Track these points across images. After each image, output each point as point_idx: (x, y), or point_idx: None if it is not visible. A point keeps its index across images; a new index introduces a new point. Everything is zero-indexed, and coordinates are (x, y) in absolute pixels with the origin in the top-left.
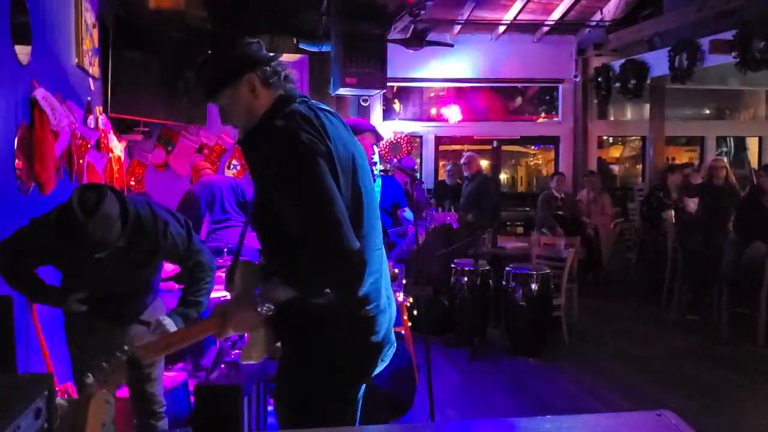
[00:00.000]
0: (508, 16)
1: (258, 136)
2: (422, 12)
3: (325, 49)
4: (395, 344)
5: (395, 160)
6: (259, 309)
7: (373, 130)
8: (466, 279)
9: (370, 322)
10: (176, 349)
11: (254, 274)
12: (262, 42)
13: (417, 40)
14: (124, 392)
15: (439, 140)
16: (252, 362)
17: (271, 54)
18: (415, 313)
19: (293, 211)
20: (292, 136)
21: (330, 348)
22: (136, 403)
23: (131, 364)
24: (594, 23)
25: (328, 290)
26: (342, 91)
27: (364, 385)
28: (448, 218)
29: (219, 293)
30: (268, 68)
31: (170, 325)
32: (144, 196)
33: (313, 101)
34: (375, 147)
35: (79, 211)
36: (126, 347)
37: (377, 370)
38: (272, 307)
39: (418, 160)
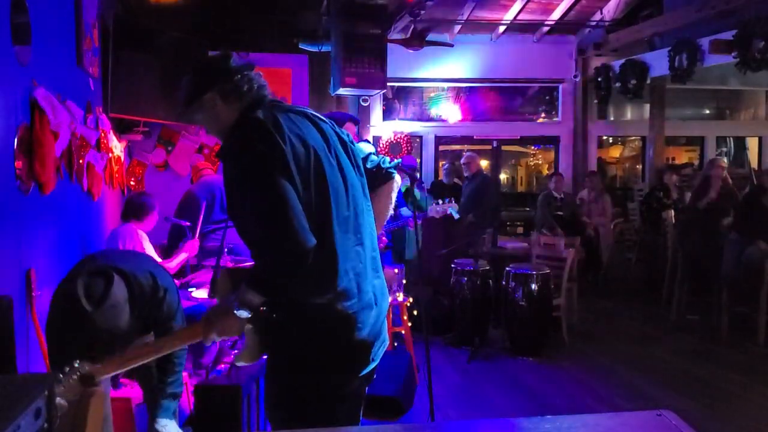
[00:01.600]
0: (508, 16)
1: (226, 149)
2: (422, 12)
3: (325, 49)
4: (386, 341)
5: (395, 160)
6: (237, 314)
7: (351, 118)
8: (466, 279)
9: (351, 318)
10: (154, 357)
11: (235, 280)
12: (228, 52)
13: (417, 40)
14: (124, 392)
15: (439, 140)
16: (245, 364)
17: (234, 67)
18: (415, 313)
19: (247, 216)
20: (243, 145)
21: (311, 345)
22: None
23: (84, 380)
24: (594, 23)
25: (295, 291)
26: (342, 91)
27: (360, 382)
28: (449, 209)
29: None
30: (226, 85)
31: (173, 429)
32: (149, 258)
33: (282, 104)
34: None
35: (86, 303)
36: (77, 364)
37: (368, 368)
38: (250, 311)
39: (418, 160)
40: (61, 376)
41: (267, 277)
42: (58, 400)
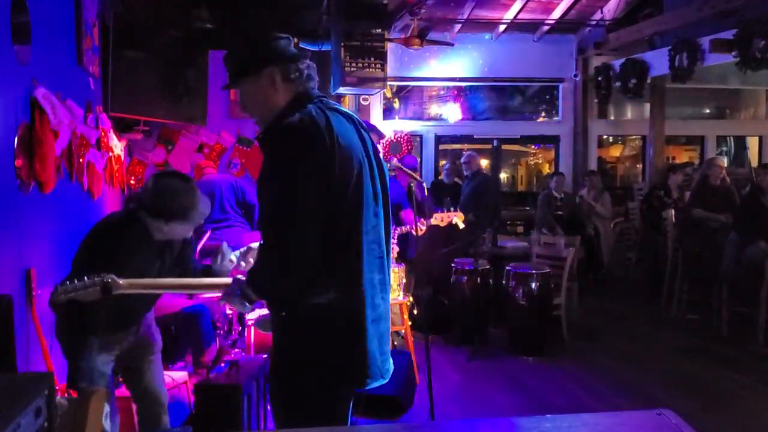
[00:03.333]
0: (509, 15)
1: (272, 134)
2: (422, 11)
3: (325, 48)
4: (391, 363)
5: (396, 159)
6: (239, 296)
7: (374, 129)
8: (466, 279)
9: (364, 326)
10: (174, 291)
11: None
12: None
13: (417, 40)
14: (124, 392)
15: (439, 139)
16: (263, 331)
17: (299, 52)
18: (415, 312)
19: (264, 207)
20: (288, 137)
21: (321, 347)
22: (142, 401)
23: (104, 288)
24: (594, 23)
25: (283, 291)
26: (342, 90)
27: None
28: (454, 218)
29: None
30: (291, 65)
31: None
32: None
33: (330, 102)
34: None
35: (181, 183)
36: (105, 275)
37: (373, 384)
38: (250, 302)
39: (418, 159)
40: (86, 279)
41: (261, 278)
42: (58, 399)
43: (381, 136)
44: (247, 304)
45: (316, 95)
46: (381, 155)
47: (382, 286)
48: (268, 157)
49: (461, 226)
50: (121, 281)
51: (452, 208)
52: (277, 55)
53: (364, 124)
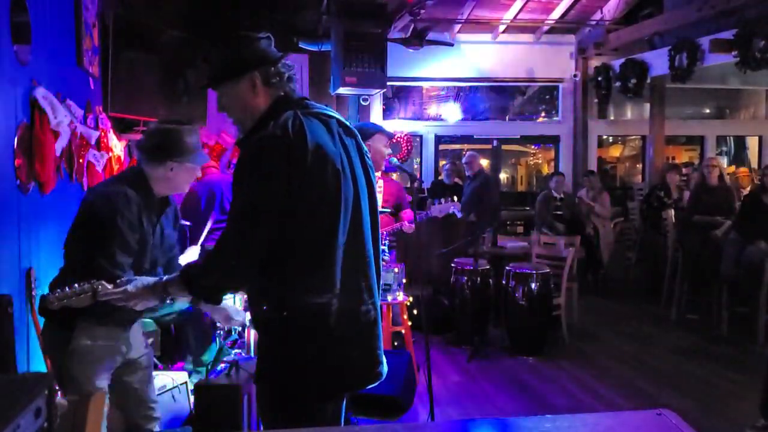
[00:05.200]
0: (508, 15)
1: (246, 146)
2: (422, 11)
3: (325, 48)
4: (383, 370)
5: (397, 159)
6: (158, 298)
7: (382, 130)
8: (466, 278)
9: (346, 333)
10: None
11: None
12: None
13: (417, 40)
14: None
15: (439, 140)
16: None
17: (279, 53)
18: (415, 312)
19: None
20: (261, 151)
21: (303, 353)
22: (134, 409)
23: (94, 294)
24: (594, 23)
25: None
26: (342, 90)
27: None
28: (452, 208)
29: None
30: (272, 68)
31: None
32: None
33: (311, 104)
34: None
35: (180, 124)
36: (95, 281)
37: (357, 390)
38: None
39: (417, 160)
40: (77, 286)
41: (203, 281)
42: (58, 399)
43: (390, 136)
44: (159, 301)
45: (296, 98)
46: (371, 157)
47: (369, 292)
48: (239, 167)
49: (458, 215)
50: (109, 287)
51: (449, 198)
52: (258, 59)
53: (350, 127)
